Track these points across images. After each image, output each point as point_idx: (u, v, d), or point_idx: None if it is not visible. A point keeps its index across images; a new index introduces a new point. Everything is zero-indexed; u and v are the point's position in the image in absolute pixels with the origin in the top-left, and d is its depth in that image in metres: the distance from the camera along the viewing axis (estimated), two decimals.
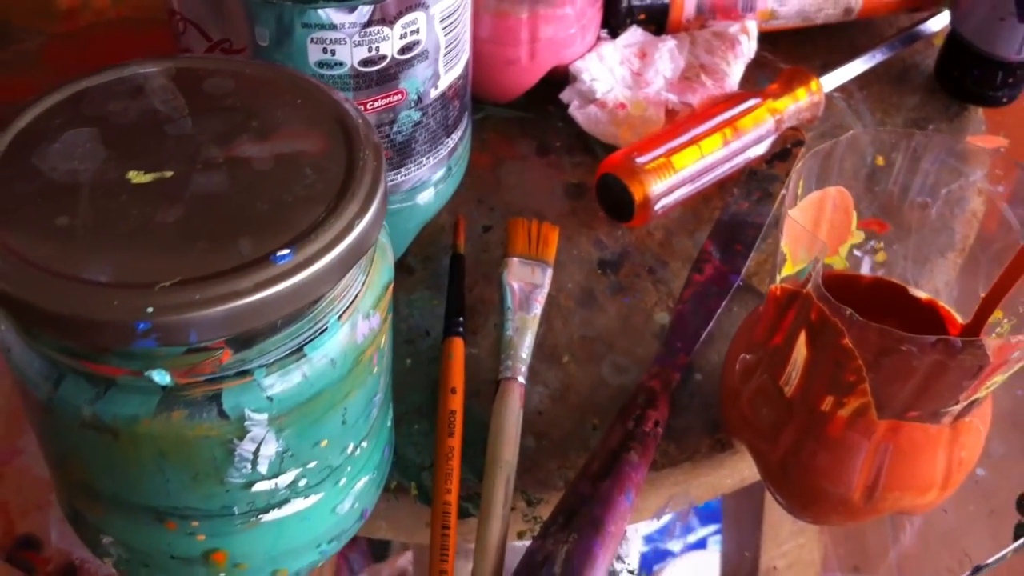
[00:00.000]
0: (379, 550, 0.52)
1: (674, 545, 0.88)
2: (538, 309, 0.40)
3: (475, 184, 0.44)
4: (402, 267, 0.42)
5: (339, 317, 0.27)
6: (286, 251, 0.25)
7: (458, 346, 0.38)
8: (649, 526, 0.91)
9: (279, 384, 0.27)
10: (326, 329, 0.27)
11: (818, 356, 0.31)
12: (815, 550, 0.66)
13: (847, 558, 0.64)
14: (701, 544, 0.99)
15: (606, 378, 0.40)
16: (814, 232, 0.34)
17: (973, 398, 0.31)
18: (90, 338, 0.24)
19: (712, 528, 1.08)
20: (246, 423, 0.27)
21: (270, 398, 0.27)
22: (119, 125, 0.28)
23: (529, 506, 0.37)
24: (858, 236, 0.36)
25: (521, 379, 0.38)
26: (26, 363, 0.27)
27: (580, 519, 0.34)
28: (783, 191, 0.44)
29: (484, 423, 0.37)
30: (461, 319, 0.39)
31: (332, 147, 0.28)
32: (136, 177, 0.26)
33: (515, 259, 0.41)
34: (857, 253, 0.39)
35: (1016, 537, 0.37)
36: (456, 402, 0.37)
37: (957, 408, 0.32)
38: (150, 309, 0.24)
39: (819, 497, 0.34)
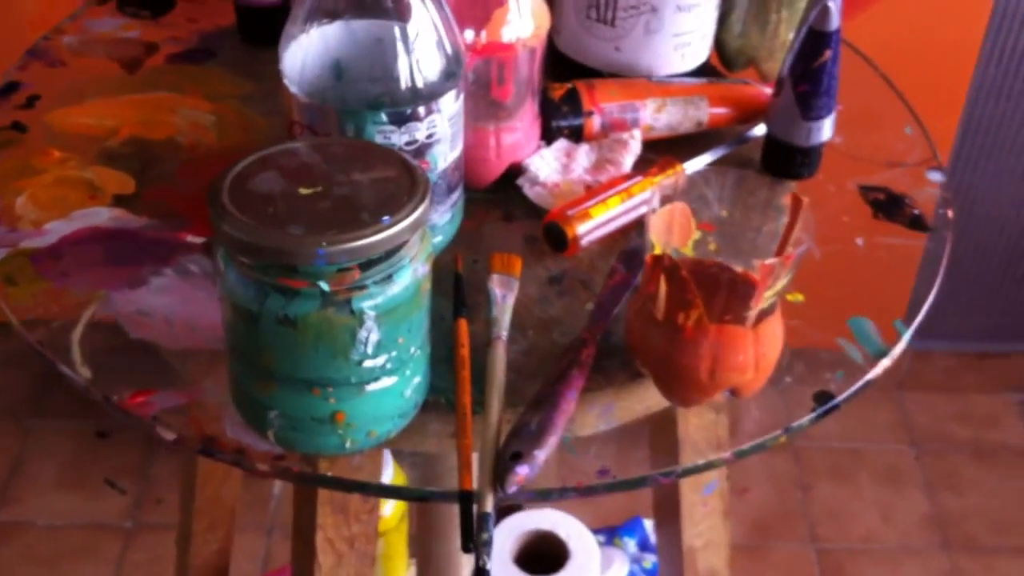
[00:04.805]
0: None
1: None
2: (511, 302, 0.64)
3: (466, 238, 0.69)
4: None
5: (410, 260, 0.51)
6: (387, 218, 0.49)
7: (463, 323, 0.62)
8: None
9: (380, 296, 0.51)
10: (404, 266, 0.51)
11: (671, 287, 0.56)
12: (722, 530, 0.89)
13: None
14: None
15: (556, 341, 0.63)
16: (668, 228, 0.59)
17: (761, 307, 0.56)
18: (290, 261, 0.48)
19: None
20: (364, 317, 0.50)
21: (376, 304, 0.50)
22: (289, 169, 0.52)
23: (512, 408, 0.59)
24: (698, 234, 0.61)
25: (503, 338, 0.62)
26: (243, 291, 0.51)
27: (544, 404, 0.57)
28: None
29: (483, 365, 0.60)
30: (464, 309, 0.63)
31: (401, 175, 0.52)
32: (303, 190, 0.51)
33: (495, 275, 0.65)
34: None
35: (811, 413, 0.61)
36: (465, 352, 0.60)
37: (752, 313, 0.56)
38: (324, 243, 0.48)
39: (682, 382, 0.58)
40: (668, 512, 0.89)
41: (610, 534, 1.30)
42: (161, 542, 1.61)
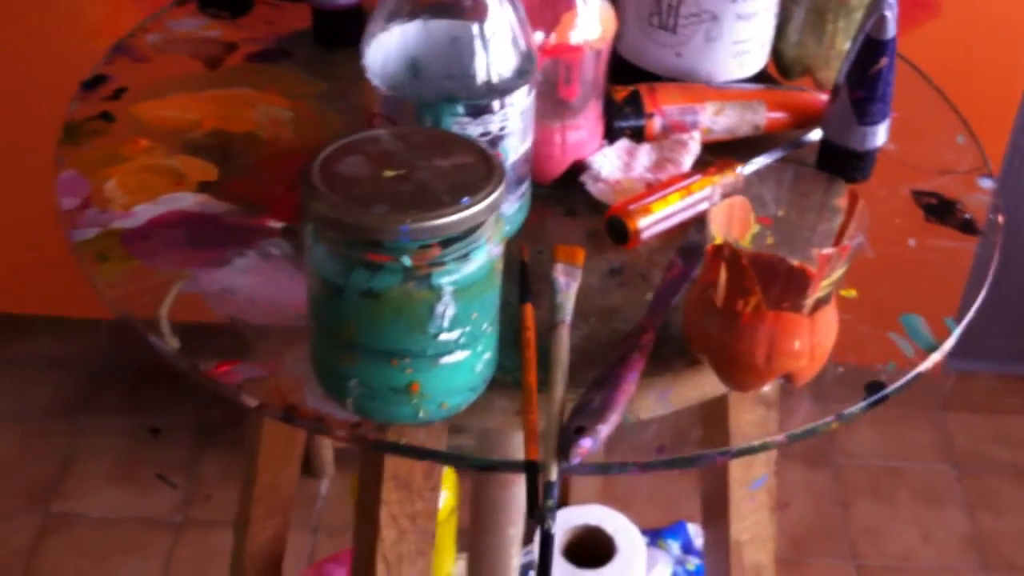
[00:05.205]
0: None
1: None
2: (574, 290, 0.67)
3: (530, 232, 0.72)
4: None
5: (485, 240, 0.55)
6: (466, 199, 0.52)
7: (529, 308, 0.65)
8: None
9: (457, 272, 0.54)
10: (479, 246, 0.54)
11: (731, 275, 0.58)
12: (769, 525, 0.91)
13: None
14: None
15: (616, 328, 0.66)
16: (728, 221, 0.62)
17: (816, 296, 0.58)
18: (375, 237, 0.51)
19: None
20: (442, 292, 0.54)
21: (453, 280, 0.54)
22: (373, 154, 0.56)
23: (574, 388, 0.62)
24: (756, 228, 0.64)
25: (567, 322, 0.65)
26: (330, 266, 0.54)
27: (606, 384, 0.60)
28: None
29: (547, 348, 0.63)
30: (529, 295, 0.66)
31: (478, 161, 0.56)
32: (387, 174, 0.54)
33: (560, 264, 0.68)
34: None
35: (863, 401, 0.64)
36: (531, 334, 0.63)
37: (809, 302, 0.58)
38: (408, 221, 0.51)
39: (739, 367, 0.60)
40: (716, 507, 0.91)
41: (654, 536, 1.33)
42: (210, 538, 1.65)
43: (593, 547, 1.09)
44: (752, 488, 0.87)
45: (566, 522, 1.10)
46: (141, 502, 1.70)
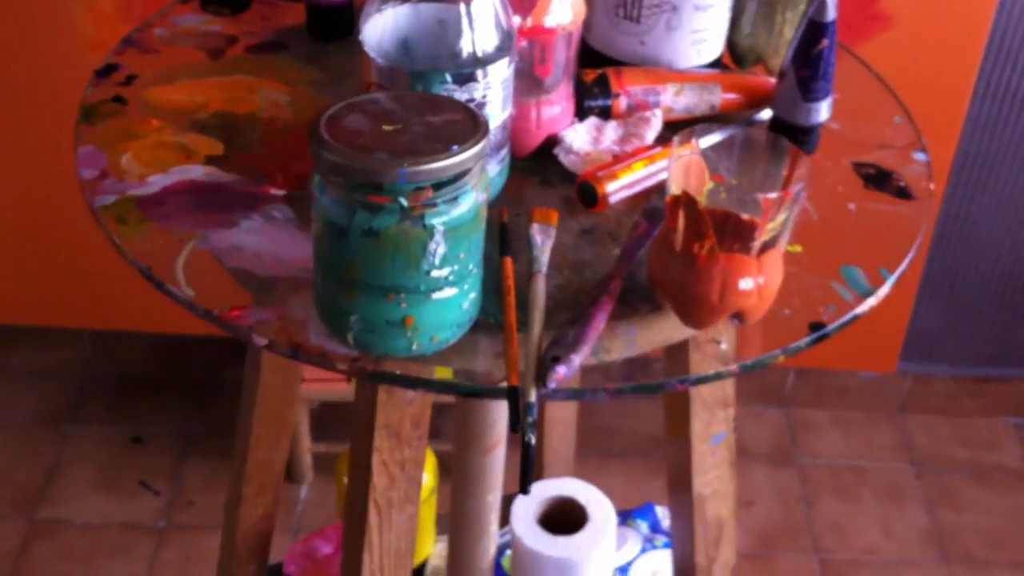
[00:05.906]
0: None
1: None
2: (549, 246, 0.75)
3: (509, 199, 0.80)
4: None
5: (472, 187, 0.62)
6: (456, 147, 0.60)
7: (509, 261, 0.73)
8: None
9: (447, 214, 0.61)
10: (467, 191, 0.62)
11: (688, 220, 0.66)
12: (729, 481, 0.98)
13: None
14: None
15: (587, 279, 0.74)
16: (686, 176, 0.70)
17: (763, 238, 0.66)
18: (376, 180, 0.59)
19: None
20: (434, 231, 0.61)
21: (444, 221, 0.61)
22: (373, 112, 0.63)
23: (550, 328, 0.70)
24: (711, 184, 0.72)
25: (543, 272, 0.72)
26: (335, 210, 0.61)
27: (579, 321, 0.68)
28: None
29: (526, 295, 0.71)
30: (509, 250, 0.74)
31: (465, 118, 0.63)
32: (387, 127, 0.62)
33: (536, 224, 0.76)
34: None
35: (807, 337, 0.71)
36: (510, 282, 0.71)
37: (757, 244, 0.66)
38: (406, 165, 0.58)
39: (696, 306, 0.68)
40: (680, 467, 0.98)
41: (624, 516, 1.39)
42: (192, 541, 1.71)
43: (567, 516, 1.16)
44: (713, 444, 0.94)
45: (541, 493, 1.17)
46: (125, 508, 1.75)
